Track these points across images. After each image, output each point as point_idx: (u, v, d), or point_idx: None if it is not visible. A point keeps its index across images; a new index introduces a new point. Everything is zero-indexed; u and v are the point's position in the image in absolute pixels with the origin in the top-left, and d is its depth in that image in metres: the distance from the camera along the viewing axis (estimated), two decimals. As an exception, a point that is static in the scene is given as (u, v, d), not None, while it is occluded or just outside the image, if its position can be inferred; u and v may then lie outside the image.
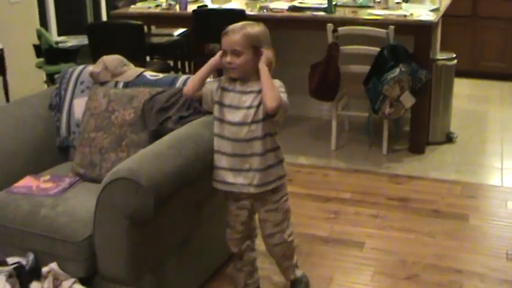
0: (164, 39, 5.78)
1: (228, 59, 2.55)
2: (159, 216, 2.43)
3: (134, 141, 2.93)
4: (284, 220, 2.79)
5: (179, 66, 6.07)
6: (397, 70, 4.39)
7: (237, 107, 2.59)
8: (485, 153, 4.90)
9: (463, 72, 6.15)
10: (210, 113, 2.87)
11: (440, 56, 4.94)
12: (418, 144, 4.85)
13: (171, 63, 5.87)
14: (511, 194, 4.11)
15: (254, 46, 2.55)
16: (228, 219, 2.78)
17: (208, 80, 2.72)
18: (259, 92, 2.55)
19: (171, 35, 5.92)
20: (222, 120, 2.63)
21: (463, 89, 6.23)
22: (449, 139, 5.06)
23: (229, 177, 2.64)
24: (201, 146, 2.65)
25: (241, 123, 2.58)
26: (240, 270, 2.88)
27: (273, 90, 2.50)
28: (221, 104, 2.63)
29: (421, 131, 4.85)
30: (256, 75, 2.57)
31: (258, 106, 2.56)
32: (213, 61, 2.65)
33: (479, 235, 3.62)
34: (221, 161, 2.64)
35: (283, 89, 2.59)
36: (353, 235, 3.59)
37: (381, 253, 3.40)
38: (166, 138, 2.68)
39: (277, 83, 2.59)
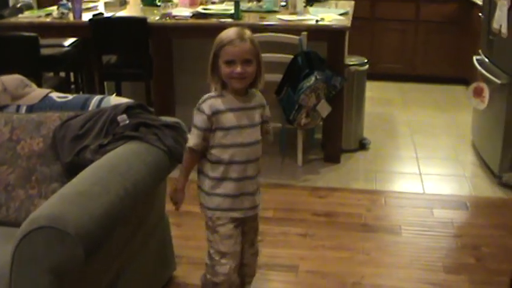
0: (55, 50, 5.28)
1: (239, 69, 2.34)
2: (87, 265, 2.08)
3: (46, 175, 2.56)
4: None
5: (72, 78, 5.62)
6: (313, 78, 4.21)
7: (247, 126, 2.45)
8: (400, 159, 4.82)
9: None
10: (132, 138, 2.57)
11: (350, 60, 4.81)
12: (333, 153, 4.70)
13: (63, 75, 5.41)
14: (435, 202, 4.04)
15: (258, 54, 2.40)
16: (223, 249, 2.51)
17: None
18: (261, 106, 2.49)
19: (62, 46, 5.45)
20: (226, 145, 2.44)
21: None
22: (362, 146, 4.95)
23: (237, 203, 2.52)
24: (129, 180, 2.30)
25: (256, 142, 2.48)
26: None
27: None
28: (223, 129, 2.42)
29: (336, 139, 4.69)
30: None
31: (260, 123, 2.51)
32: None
33: (412, 248, 3.48)
34: (226, 187, 2.47)
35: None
36: (284, 258, 3.36)
37: (318, 276, 3.19)
38: (87, 173, 2.31)
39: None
